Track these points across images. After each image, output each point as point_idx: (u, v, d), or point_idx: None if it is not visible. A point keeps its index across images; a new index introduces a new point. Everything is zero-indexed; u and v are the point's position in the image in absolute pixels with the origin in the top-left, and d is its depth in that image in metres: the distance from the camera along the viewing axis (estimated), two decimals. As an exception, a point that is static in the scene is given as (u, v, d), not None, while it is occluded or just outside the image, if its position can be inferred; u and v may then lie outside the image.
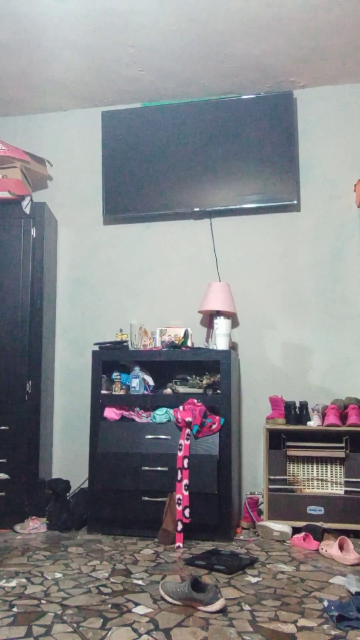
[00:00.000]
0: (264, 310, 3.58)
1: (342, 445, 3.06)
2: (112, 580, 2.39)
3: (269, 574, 2.46)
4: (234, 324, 3.56)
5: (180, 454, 2.98)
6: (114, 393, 3.32)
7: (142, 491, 3.04)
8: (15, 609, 2.07)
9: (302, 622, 1.94)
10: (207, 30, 3.10)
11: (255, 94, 3.67)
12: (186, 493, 2.92)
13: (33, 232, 3.53)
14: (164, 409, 3.18)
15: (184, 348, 3.34)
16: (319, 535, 2.86)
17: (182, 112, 3.73)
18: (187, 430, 3.02)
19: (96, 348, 3.42)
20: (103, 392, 3.32)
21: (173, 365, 3.37)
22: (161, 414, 3.16)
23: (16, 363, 3.43)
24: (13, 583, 2.35)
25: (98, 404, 3.27)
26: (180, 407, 3.10)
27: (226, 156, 3.63)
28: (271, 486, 3.12)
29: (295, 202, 3.55)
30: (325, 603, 2.05)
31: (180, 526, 2.89)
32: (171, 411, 3.14)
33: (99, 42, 3.21)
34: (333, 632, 1.85)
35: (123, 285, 3.81)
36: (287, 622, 1.93)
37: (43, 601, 2.15)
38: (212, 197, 3.64)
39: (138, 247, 3.84)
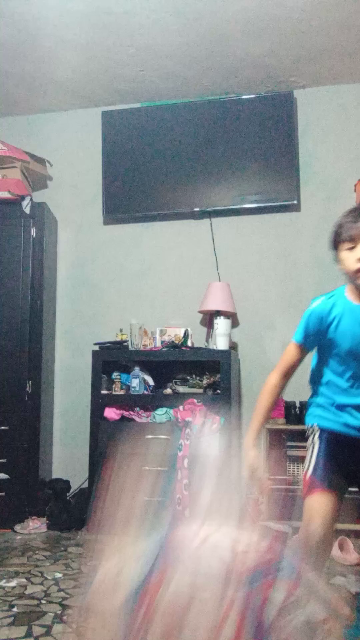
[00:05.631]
0: (264, 310, 3.58)
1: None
2: (112, 580, 2.39)
3: (269, 574, 2.45)
4: (234, 323, 3.56)
5: (180, 453, 2.98)
6: (114, 393, 3.32)
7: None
8: (15, 609, 2.07)
9: (302, 622, 1.94)
10: (207, 30, 3.10)
11: (255, 94, 3.67)
12: (186, 493, 2.92)
13: (33, 232, 3.53)
14: (164, 409, 3.18)
15: (184, 348, 3.34)
16: (319, 535, 2.86)
17: (182, 112, 3.72)
18: (187, 430, 3.02)
19: (96, 348, 3.42)
20: (103, 392, 3.32)
21: (173, 365, 3.37)
22: (161, 414, 3.16)
23: (16, 363, 3.42)
24: (13, 583, 2.35)
25: (98, 403, 3.27)
26: (181, 407, 3.10)
27: (226, 156, 3.63)
28: (271, 486, 3.12)
29: (295, 202, 3.55)
30: None
31: (180, 526, 2.89)
32: (171, 411, 3.14)
33: (99, 42, 3.21)
34: (333, 632, 1.85)
35: (123, 285, 3.81)
36: (287, 622, 1.93)
37: (43, 601, 2.15)
38: (212, 197, 3.64)
39: (138, 247, 3.83)
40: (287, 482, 3.13)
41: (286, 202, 3.55)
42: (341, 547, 2.65)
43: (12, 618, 1.99)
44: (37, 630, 1.89)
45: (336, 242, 1.70)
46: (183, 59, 3.37)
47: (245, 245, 3.65)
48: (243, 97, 3.66)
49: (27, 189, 3.61)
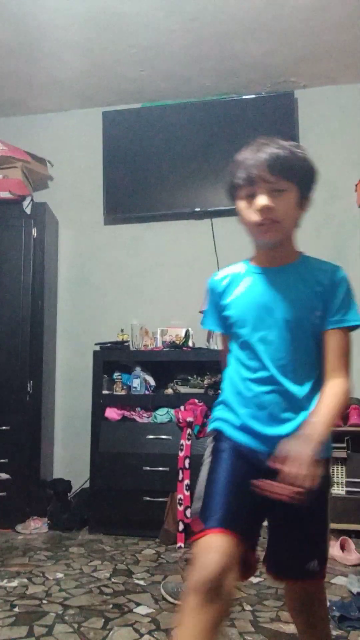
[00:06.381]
0: (265, 310, 3.57)
1: (344, 445, 3.06)
2: (113, 580, 2.39)
3: (271, 574, 2.46)
4: (235, 324, 3.55)
5: (181, 454, 2.98)
6: (115, 393, 3.32)
7: (144, 491, 3.04)
8: (16, 609, 2.07)
9: (303, 622, 1.94)
10: (207, 31, 3.10)
11: (256, 94, 3.67)
12: (187, 493, 2.92)
13: (34, 232, 3.53)
14: (165, 409, 3.18)
15: (185, 348, 3.34)
16: (321, 535, 2.86)
17: (183, 112, 3.72)
18: (189, 431, 3.02)
19: (97, 348, 3.42)
20: (104, 392, 3.32)
21: (174, 365, 3.37)
22: (162, 414, 3.16)
23: (17, 363, 3.42)
24: (14, 583, 2.35)
25: (99, 404, 3.28)
26: (182, 407, 3.10)
27: (227, 156, 3.59)
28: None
29: (296, 202, 3.54)
30: (327, 603, 2.05)
31: (181, 526, 2.88)
32: (172, 411, 3.14)
33: (100, 43, 3.21)
34: (335, 633, 1.85)
35: (124, 285, 3.81)
36: (288, 623, 1.93)
37: (44, 601, 2.15)
38: (213, 197, 3.64)
39: (139, 247, 3.83)
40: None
41: (287, 202, 3.54)
42: (343, 548, 2.65)
43: (14, 618, 1.99)
44: (38, 630, 1.89)
45: (233, 189, 1.30)
46: (184, 59, 3.37)
47: (246, 245, 3.61)
48: (244, 97, 3.66)
49: (27, 189, 3.61)
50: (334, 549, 2.66)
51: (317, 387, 1.25)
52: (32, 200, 3.60)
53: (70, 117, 4.01)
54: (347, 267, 3.86)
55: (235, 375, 1.33)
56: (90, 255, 3.89)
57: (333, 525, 2.91)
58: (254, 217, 1.25)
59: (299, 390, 1.23)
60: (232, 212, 4.02)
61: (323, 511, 1.26)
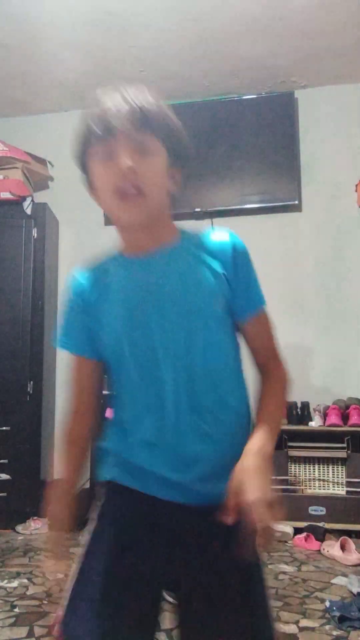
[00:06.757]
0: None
1: (344, 445, 3.05)
2: (113, 580, 2.39)
3: (271, 574, 2.46)
4: (235, 324, 3.55)
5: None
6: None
7: (144, 491, 3.04)
8: (16, 610, 2.07)
9: (303, 622, 1.94)
10: (208, 31, 3.10)
11: (256, 94, 3.67)
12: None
13: (34, 232, 3.53)
14: (166, 409, 3.17)
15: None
16: (321, 535, 2.86)
17: (183, 112, 3.68)
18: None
19: (97, 348, 3.42)
20: (104, 392, 3.31)
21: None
22: (162, 414, 3.15)
23: (18, 363, 3.42)
24: (15, 583, 2.35)
25: (100, 404, 3.27)
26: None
27: (227, 156, 3.63)
28: (273, 486, 3.11)
29: (296, 202, 3.55)
30: (327, 603, 2.05)
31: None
32: (172, 411, 3.14)
33: (100, 43, 3.21)
34: (335, 633, 1.85)
35: (124, 285, 3.81)
36: (288, 623, 1.93)
37: (45, 602, 2.15)
38: (213, 198, 3.64)
39: (139, 247, 3.83)
40: (289, 482, 3.13)
41: (287, 202, 3.54)
42: (343, 548, 2.65)
43: (14, 619, 1.99)
44: (38, 630, 1.89)
45: (83, 145, 0.99)
46: (184, 59, 3.37)
47: (246, 245, 3.64)
48: (244, 97, 3.66)
49: (28, 190, 3.61)
50: (334, 549, 2.67)
51: (247, 396, 1.03)
52: (32, 200, 3.60)
53: (70, 118, 4.00)
54: (347, 267, 3.84)
55: (128, 411, 1.02)
56: (91, 255, 3.89)
57: (333, 525, 2.93)
58: (114, 183, 0.91)
59: (229, 408, 0.97)
60: (232, 212, 4.03)
61: (260, 581, 0.94)
